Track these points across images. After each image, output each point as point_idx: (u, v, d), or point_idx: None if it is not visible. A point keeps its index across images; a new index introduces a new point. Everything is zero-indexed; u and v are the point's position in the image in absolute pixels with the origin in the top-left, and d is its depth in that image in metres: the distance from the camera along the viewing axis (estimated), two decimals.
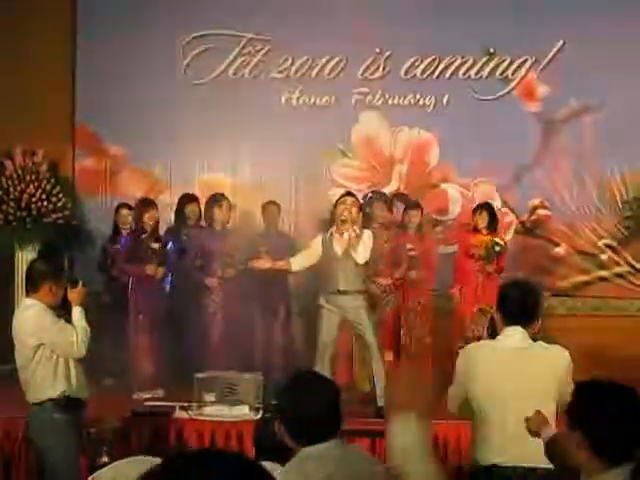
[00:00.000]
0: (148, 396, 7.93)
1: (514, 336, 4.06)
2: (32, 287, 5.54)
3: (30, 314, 5.44)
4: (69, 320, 5.57)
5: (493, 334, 4.35)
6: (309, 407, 3.11)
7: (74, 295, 5.66)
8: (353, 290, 7.47)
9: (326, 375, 3.59)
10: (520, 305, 4.09)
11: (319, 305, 7.61)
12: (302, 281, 9.14)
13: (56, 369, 5.51)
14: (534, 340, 4.11)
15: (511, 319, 4.09)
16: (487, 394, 4.05)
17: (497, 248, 8.56)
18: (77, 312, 5.63)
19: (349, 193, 7.80)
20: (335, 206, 7.62)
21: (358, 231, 7.40)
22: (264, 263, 7.67)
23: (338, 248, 7.48)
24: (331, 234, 7.55)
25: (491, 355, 4.09)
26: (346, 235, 7.41)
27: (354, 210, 7.50)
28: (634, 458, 2.79)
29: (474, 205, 9.07)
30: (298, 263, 7.65)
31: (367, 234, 7.54)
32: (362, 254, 7.42)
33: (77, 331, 5.53)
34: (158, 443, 6.84)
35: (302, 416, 3.13)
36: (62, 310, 5.61)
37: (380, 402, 7.09)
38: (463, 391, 4.18)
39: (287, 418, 3.16)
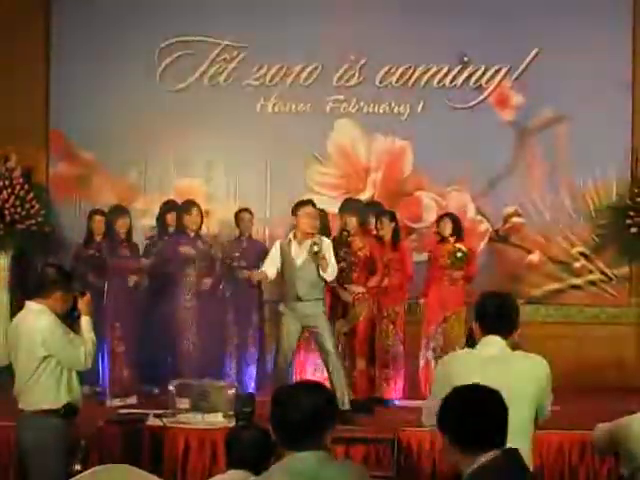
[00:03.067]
0: (122, 404, 7.93)
1: (493, 345, 4.08)
2: (41, 292, 5.36)
3: (43, 324, 5.25)
4: (72, 328, 5.44)
5: (471, 344, 4.37)
6: (291, 411, 3.14)
7: (83, 305, 5.53)
8: (313, 298, 7.52)
9: (319, 383, 3.60)
10: (498, 315, 4.12)
11: (279, 312, 7.67)
12: (273, 287, 9.19)
13: (60, 380, 5.36)
14: (512, 350, 4.13)
15: (489, 329, 4.11)
16: None
17: (459, 254, 8.59)
18: (86, 322, 5.50)
19: (310, 201, 7.75)
20: (295, 213, 7.62)
21: (319, 242, 7.42)
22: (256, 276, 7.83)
23: (298, 257, 7.53)
24: (289, 241, 7.61)
25: (471, 364, 4.09)
26: (306, 245, 7.46)
27: (317, 222, 7.56)
28: (496, 444, 3.03)
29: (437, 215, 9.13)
30: (271, 271, 7.70)
31: (327, 244, 7.59)
32: (331, 272, 7.51)
33: (86, 343, 5.41)
34: (132, 450, 6.82)
35: (284, 420, 3.15)
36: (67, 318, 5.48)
37: (343, 407, 7.08)
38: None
39: (273, 422, 3.20)
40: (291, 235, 7.65)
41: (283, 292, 7.74)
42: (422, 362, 8.53)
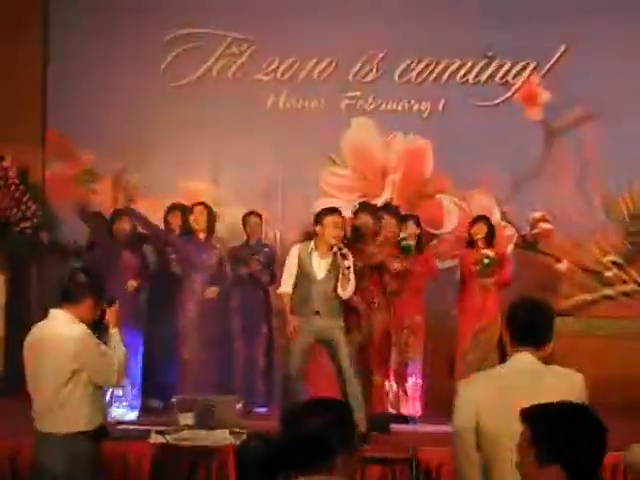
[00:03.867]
0: (122, 419, 7.91)
1: (522, 360, 3.99)
2: (71, 300, 5.05)
3: (75, 335, 4.95)
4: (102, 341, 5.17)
5: (502, 357, 4.30)
6: (298, 432, 3.08)
7: (112, 315, 5.24)
8: (330, 313, 7.43)
9: (335, 400, 3.54)
10: (529, 325, 4.04)
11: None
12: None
13: (94, 398, 5.09)
14: (546, 364, 4.05)
15: (520, 341, 4.03)
16: (498, 431, 3.92)
17: (486, 261, 8.55)
18: (116, 335, 5.21)
19: (337, 210, 7.64)
20: (320, 222, 7.49)
21: (344, 263, 7.32)
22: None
23: (319, 272, 7.42)
24: (311, 251, 7.46)
25: (495, 384, 4.00)
26: (329, 258, 7.38)
27: (342, 233, 7.45)
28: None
29: (471, 218, 9.07)
30: (289, 286, 7.55)
31: (350, 264, 7.37)
32: (350, 290, 7.40)
33: (118, 358, 5.13)
34: (132, 469, 6.80)
35: (291, 441, 3.09)
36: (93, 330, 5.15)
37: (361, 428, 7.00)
38: (469, 435, 4.01)
39: (281, 442, 3.13)
40: (312, 245, 7.44)
41: (298, 305, 7.52)
42: (457, 376, 8.49)
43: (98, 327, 5.17)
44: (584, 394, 3.94)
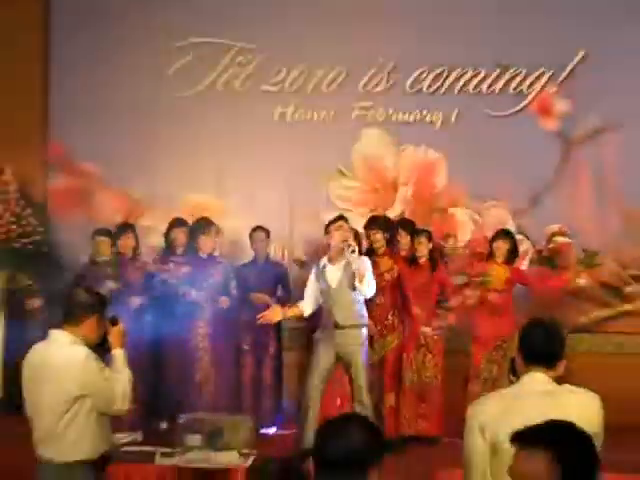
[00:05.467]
0: (126, 440, 7.93)
1: (537, 381, 4.04)
2: (72, 320, 4.92)
3: (78, 359, 4.81)
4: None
5: (515, 377, 4.33)
6: (329, 450, 3.15)
7: (115, 336, 5.10)
8: (350, 325, 7.51)
9: (360, 415, 3.60)
10: (541, 345, 4.09)
11: (314, 339, 7.68)
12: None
13: (97, 425, 4.95)
14: (559, 384, 4.10)
15: (531, 360, 4.08)
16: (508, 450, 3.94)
17: (488, 278, 8.62)
18: (121, 356, 5.07)
19: (342, 217, 7.86)
20: (327, 231, 7.68)
21: (357, 257, 7.42)
22: (275, 315, 7.72)
23: (332, 279, 7.55)
24: (324, 266, 7.64)
25: (509, 405, 4.04)
26: (341, 265, 7.48)
27: (350, 235, 7.60)
28: None
29: (490, 231, 9.15)
30: (309, 304, 7.74)
31: (366, 261, 7.59)
32: (370, 285, 7.49)
33: (122, 382, 5.00)
34: None
35: (322, 459, 3.16)
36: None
37: None
38: (477, 457, 4.04)
39: (315, 456, 3.21)
40: (325, 260, 7.68)
41: (319, 319, 7.76)
42: (472, 394, 8.54)
43: (101, 348, 5.03)
44: (600, 415, 3.99)
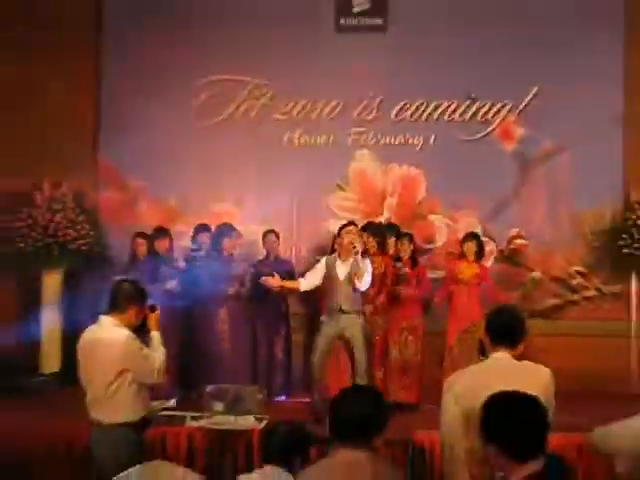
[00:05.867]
0: (162, 406, 7.93)
1: (502, 358, 4.06)
2: (118, 308, 5.02)
3: (122, 340, 4.91)
4: (142, 342, 5.11)
5: (483, 355, 4.35)
6: (343, 409, 3.18)
7: (153, 320, 5.22)
8: (352, 310, 7.55)
9: (370, 388, 3.63)
10: (504, 327, 4.11)
11: (320, 321, 7.71)
12: (301, 301, 9.26)
13: (138, 394, 5.04)
14: (519, 361, 4.11)
15: (497, 341, 4.10)
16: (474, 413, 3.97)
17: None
18: (157, 337, 5.20)
19: (353, 223, 7.90)
20: (340, 234, 7.72)
21: (361, 259, 7.50)
22: (275, 282, 7.75)
23: (341, 273, 7.60)
24: (335, 259, 7.71)
25: (478, 378, 4.05)
26: (349, 262, 7.51)
27: (358, 238, 7.62)
28: (538, 456, 2.94)
29: (462, 234, 9.14)
30: (307, 283, 7.81)
31: (368, 262, 7.66)
32: (366, 282, 7.55)
33: (158, 358, 5.10)
34: (172, 448, 6.85)
35: (342, 418, 3.20)
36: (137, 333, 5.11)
37: None
38: (451, 429, 4.03)
39: (331, 418, 3.25)
40: (336, 255, 7.74)
41: (324, 304, 7.82)
42: (445, 370, 8.57)
43: (141, 330, 5.12)
44: (551, 385, 4.01)
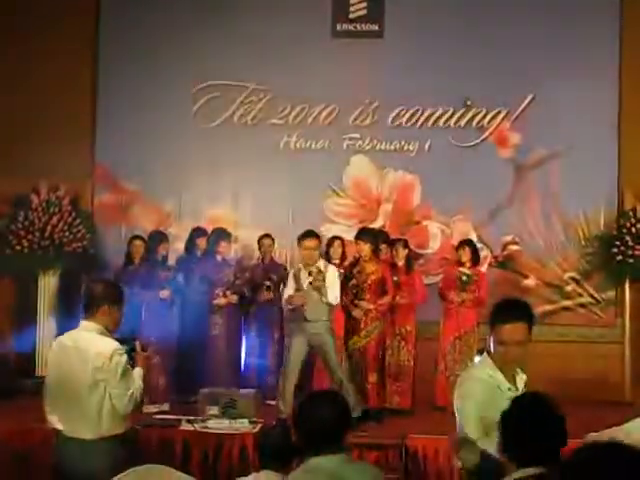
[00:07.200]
0: (156, 410, 7.94)
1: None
2: (88, 311, 4.65)
3: (108, 351, 4.51)
4: None
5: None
6: (317, 418, 3.18)
7: (141, 358, 4.77)
8: (319, 319, 7.57)
9: (334, 392, 3.61)
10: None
11: (290, 329, 7.75)
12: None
13: (115, 410, 4.57)
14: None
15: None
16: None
17: (464, 278, 8.65)
18: (139, 372, 4.70)
19: (311, 233, 7.83)
20: (299, 244, 7.78)
21: (322, 268, 7.54)
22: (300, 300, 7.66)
23: (304, 283, 7.63)
24: (299, 269, 7.75)
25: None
26: (310, 272, 7.59)
27: (315, 253, 7.67)
28: (543, 461, 2.87)
29: (456, 241, 9.21)
30: (285, 295, 7.87)
31: (331, 271, 7.69)
32: (331, 297, 7.58)
33: (136, 387, 4.61)
34: (166, 452, 6.85)
35: (310, 425, 3.19)
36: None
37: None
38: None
39: (299, 427, 3.24)
40: (302, 263, 7.77)
41: (293, 314, 7.81)
42: (438, 375, 8.61)
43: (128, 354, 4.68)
44: None
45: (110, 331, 4.68)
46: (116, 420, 4.59)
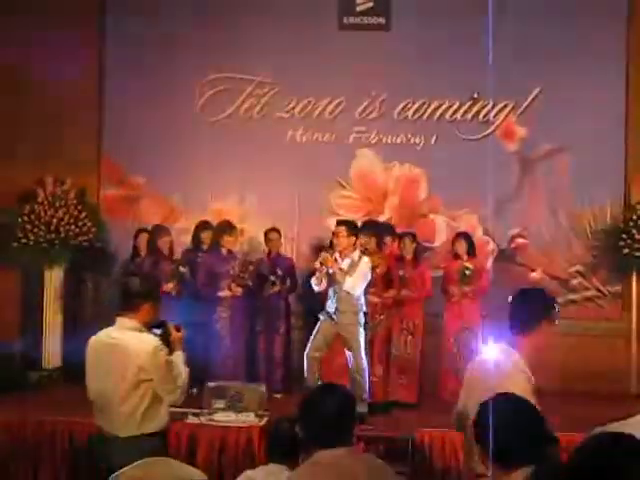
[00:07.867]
0: None
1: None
2: (129, 308, 4.62)
3: (149, 349, 4.49)
4: None
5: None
6: (322, 411, 3.17)
7: (177, 340, 4.72)
8: (347, 310, 7.52)
9: (339, 385, 3.60)
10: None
11: (318, 319, 7.70)
12: (301, 299, 9.27)
13: (156, 407, 4.57)
14: None
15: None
16: None
17: (467, 272, 8.65)
18: (180, 356, 4.68)
19: (343, 222, 7.85)
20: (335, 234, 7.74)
21: (355, 258, 7.49)
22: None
23: (339, 275, 7.54)
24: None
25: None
26: (344, 261, 7.51)
27: (346, 240, 7.59)
28: (532, 461, 2.84)
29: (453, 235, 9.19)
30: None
31: (364, 263, 7.60)
32: (349, 285, 7.48)
33: (182, 376, 4.61)
34: (173, 445, 6.85)
35: (315, 419, 3.19)
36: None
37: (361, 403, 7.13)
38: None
39: (304, 420, 3.23)
40: (337, 253, 7.69)
41: (324, 304, 7.74)
42: (443, 369, 8.61)
43: (163, 340, 4.64)
44: None
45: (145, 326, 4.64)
46: (155, 417, 4.57)
